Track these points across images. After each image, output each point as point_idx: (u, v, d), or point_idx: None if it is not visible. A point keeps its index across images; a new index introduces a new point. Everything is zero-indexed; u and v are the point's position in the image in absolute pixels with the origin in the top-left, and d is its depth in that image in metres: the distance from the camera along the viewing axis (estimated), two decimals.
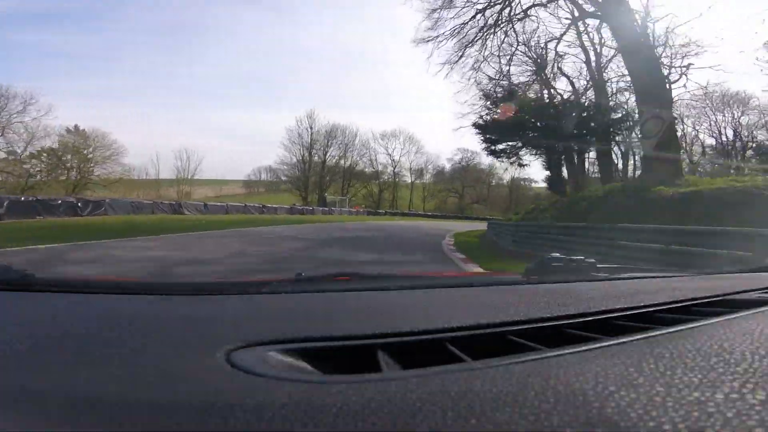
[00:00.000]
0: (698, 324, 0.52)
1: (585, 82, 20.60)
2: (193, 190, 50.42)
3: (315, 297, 0.72)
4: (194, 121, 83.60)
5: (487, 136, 19.42)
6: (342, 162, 57.94)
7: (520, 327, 0.50)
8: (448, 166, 63.51)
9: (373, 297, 0.74)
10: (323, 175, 55.96)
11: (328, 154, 57.41)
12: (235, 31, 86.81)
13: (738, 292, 0.76)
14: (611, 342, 0.44)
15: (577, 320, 0.54)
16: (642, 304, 0.62)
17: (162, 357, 0.39)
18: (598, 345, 0.43)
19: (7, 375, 0.35)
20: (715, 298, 0.70)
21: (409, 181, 62.30)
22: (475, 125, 19.82)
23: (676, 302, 0.66)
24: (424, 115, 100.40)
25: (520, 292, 0.78)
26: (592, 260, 1.06)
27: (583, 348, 0.42)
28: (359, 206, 50.17)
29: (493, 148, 20.33)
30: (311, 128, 56.42)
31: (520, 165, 21.67)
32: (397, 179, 61.50)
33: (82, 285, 0.73)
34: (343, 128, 58.36)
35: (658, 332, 0.48)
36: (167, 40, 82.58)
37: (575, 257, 1.05)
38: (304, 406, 0.29)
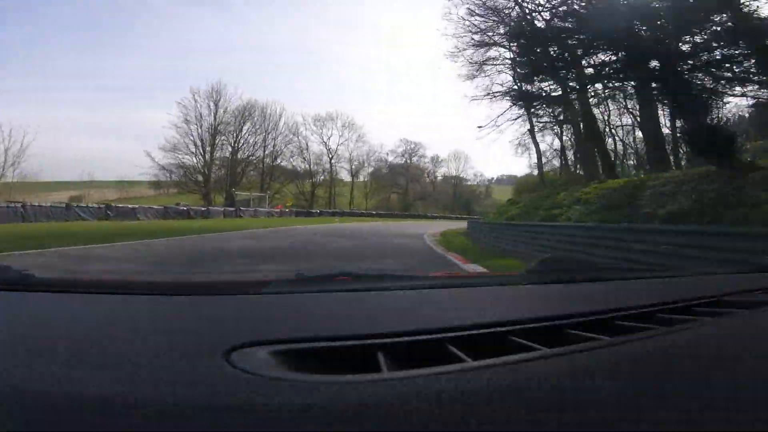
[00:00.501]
0: (697, 324, 0.52)
1: None
2: (90, 192, 36.05)
3: (315, 297, 0.72)
4: (109, 121, 70.36)
5: (536, 48, 11.00)
6: (261, 151, 43.19)
7: (520, 327, 0.50)
8: (391, 158, 54.69)
9: (374, 297, 0.74)
10: (233, 166, 40.69)
11: (242, 139, 41.56)
12: (152, 25, 73.39)
13: (737, 293, 0.76)
14: (611, 342, 0.44)
15: (577, 320, 0.54)
16: (642, 304, 0.62)
17: (162, 357, 0.39)
18: (598, 345, 0.43)
19: (7, 375, 0.35)
20: (714, 298, 0.70)
21: (347, 175, 51.43)
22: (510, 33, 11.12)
23: (676, 302, 0.66)
24: (367, 107, 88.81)
25: (521, 292, 0.79)
26: (592, 260, 1.12)
27: (583, 348, 0.42)
28: (283, 205, 37.53)
29: (532, 77, 12.37)
30: (216, 103, 39.26)
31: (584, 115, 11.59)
32: (334, 174, 49.85)
33: (82, 285, 0.74)
34: (263, 107, 42.63)
35: (658, 332, 0.48)
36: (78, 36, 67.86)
37: (575, 257, 1.18)
38: (303, 406, 0.29)
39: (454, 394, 0.31)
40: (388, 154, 55.20)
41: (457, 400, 0.30)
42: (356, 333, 0.46)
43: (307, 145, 47.64)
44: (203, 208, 26.63)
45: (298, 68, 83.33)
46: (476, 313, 0.56)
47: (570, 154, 25.28)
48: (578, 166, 19.50)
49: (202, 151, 39.36)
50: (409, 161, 55.82)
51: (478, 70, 15.68)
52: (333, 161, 49.55)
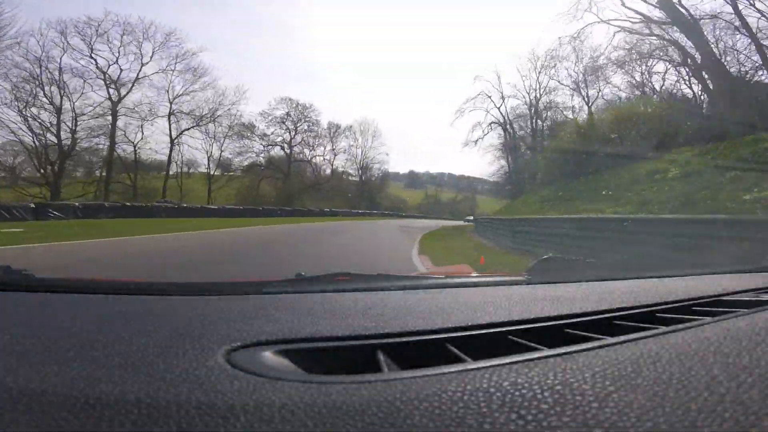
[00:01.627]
0: (697, 324, 0.52)
1: None
2: None
3: (315, 297, 0.72)
4: None
5: None
6: None
7: (520, 327, 0.50)
8: (262, 125, 32.82)
9: (373, 297, 0.74)
10: None
11: None
12: None
13: (736, 293, 0.76)
14: (611, 342, 0.44)
15: (577, 320, 0.54)
16: (642, 304, 0.62)
17: (162, 357, 0.40)
18: (598, 345, 0.43)
19: (8, 375, 0.35)
20: (713, 299, 0.70)
21: (164, 136, 27.94)
22: None
23: (676, 302, 0.66)
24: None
25: (520, 292, 0.79)
26: (592, 260, 1.06)
27: (583, 348, 0.42)
28: None
29: None
30: None
31: None
32: (124, 132, 25.20)
33: (82, 285, 0.73)
34: None
35: (658, 332, 0.48)
36: None
37: (575, 257, 1.04)
38: (303, 406, 0.29)
39: (454, 394, 0.31)
40: (258, 118, 33.13)
41: (457, 400, 0.30)
42: (356, 333, 0.46)
43: (58, 76, 21.05)
44: None
45: None
46: (476, 313, 0.56)
47: None
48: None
49: None
50: (293, 130, 34.37)
51: None
52: (119, 105, 23.28)
